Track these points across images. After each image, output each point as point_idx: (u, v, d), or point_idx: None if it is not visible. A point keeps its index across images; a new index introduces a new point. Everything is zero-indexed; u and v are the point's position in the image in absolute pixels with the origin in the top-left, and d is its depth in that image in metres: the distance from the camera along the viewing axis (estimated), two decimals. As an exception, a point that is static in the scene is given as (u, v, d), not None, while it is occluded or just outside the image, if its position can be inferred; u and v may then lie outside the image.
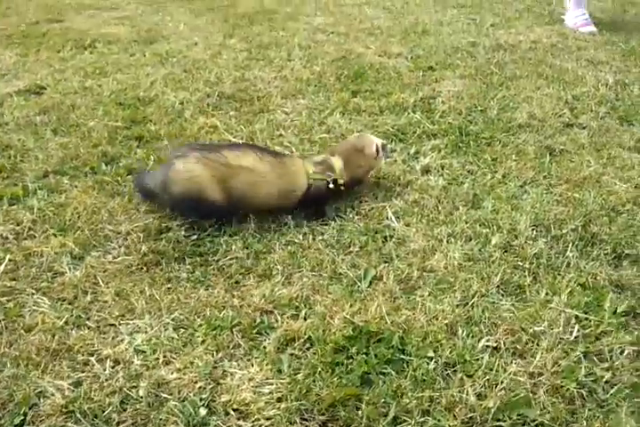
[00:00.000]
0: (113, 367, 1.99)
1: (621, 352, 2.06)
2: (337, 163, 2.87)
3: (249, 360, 2.02)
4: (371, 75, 4.68)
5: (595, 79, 4.62)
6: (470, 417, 1.81)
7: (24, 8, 7.07)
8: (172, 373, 1.96)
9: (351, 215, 2.84)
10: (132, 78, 4.56)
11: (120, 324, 2.18)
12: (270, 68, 4.85)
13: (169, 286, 2.36)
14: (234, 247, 2.57)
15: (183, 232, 2.67)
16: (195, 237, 2.65)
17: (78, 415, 1.81)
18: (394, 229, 2.72)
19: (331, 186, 2.80)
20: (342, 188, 2.84)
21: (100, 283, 2.37)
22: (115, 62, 4.96)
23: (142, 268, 2.46)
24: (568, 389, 1.91)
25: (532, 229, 2.73)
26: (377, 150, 2.95)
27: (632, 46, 5.46)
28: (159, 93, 4.24)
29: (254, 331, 2.13)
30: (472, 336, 2.11)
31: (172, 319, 2.19)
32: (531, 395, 1.89)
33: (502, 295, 2.33)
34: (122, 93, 4.24)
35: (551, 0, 7.35)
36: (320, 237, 2.66)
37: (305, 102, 4.15)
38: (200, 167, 2.61)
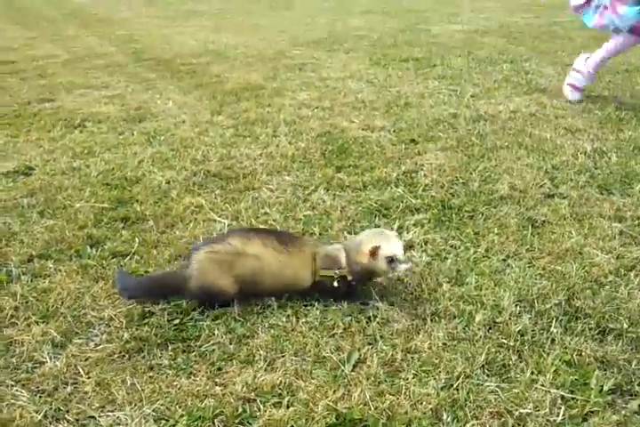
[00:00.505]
0: (91, 465, 1.94)
1: (609, 434, 2.04)
2: (343, 255, 2.75)
3: (230, 454, 1.98)
4: (354, 149, 4.79)
5: (573, 148, 4.74)
6: None
7: (17, 88, 7.27)
8: (151, 469, 1.92)
9: (335, 295, 2.84)
10: (119, 158, 4.65)
11: (100, 416, 2.14)
12: (256, 144, 4.96)
13: (151, 374, 2.34)
14: (217, 332, 2.56)
15: (166, 316, 2.66)
16: (177, 321, 2.64)
17: None
18: (377, 309, 2.72)
19: (335, 284, 2.70)
20: (353, 283, 2.75)
21: (81, 373, 2.34)
22: (103, 142, 5.07)
23: (124, 355, 2.44)
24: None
25: (516, 305, 2.73)
26: (372, 252, 2.62)
27: (608, 113, 5.63)
28: (146, 173, 4.31)
29: (236, 421, 2.10)
30: (457, 421, 2.08)
31: (154, 410, 2.15)
32: (518, 485, 1.85)
33: (487, 376, 2.31)
34: (109, 174, 4.32)
35: (528, 69, 7.64)
36: (304, 320, 2.65)
37: (290, 179, 4.23)
38: (208, 260, 2.67)
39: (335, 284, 2.68)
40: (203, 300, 2.74)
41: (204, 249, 2.71)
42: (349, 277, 2.69)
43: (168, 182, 4.14)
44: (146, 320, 2.65)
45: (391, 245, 2.64)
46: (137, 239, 3.34)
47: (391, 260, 2.61)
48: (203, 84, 7.30)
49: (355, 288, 2.77)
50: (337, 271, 2.70)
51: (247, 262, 2.67)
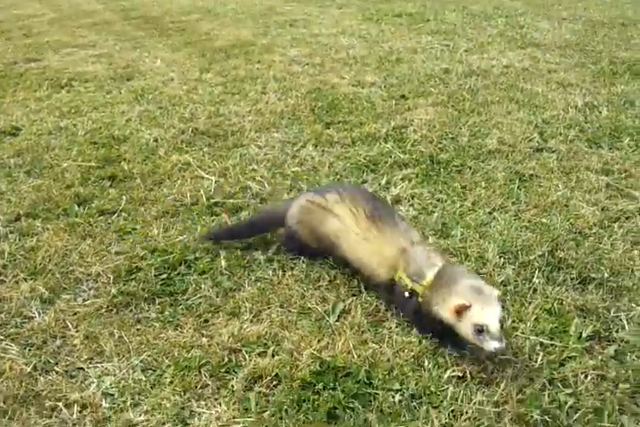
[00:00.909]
0: (80, 412, 2.00)
1: (585, 377, 2.09)
2: (432, 273, 2.28)
3: (216, 400, 2.03)
4: (344, 105, 4.75)
5: (564, 102, 4.71)
6: (435, 449, 1.83)
7: (3, 48, 7.16)
8: (140, 415, 1.98)
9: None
10: (107, 117, 4.62)
11: (89, 367, 2.19)
12: (245, 101, 4.91)
13: (138, 327, 2.38)
14: (203, 286, 2.59)
15: (153, 271, 2.69)
16: (164, 276, 2.67)
17: (44, 463, 1.82)
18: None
19: (406, 294, 2.31)
20: (421, 306, 2.27)
21: (70, 327, 2.38)
22: (90, 101, 5.02)
23: (112, 309, 2.48)
24: (532, 416, 1.93)
25: (500, 257, 2.76)
26: (458, 311, 2.08)
27: (601, 67, 5.58)
28: (134, 131, 4.29)
29: (222, 370, 2.15)
30: (438, 367, 2.14)
31: (141, 361, 2.20)
32: (495, 424, 1.91)
33: (469, 324, 2.35)
34: (96, 133, 4.29)
35: (523, 24, 7.52)
36: (290, 273, 2.68)
37: (278, 136, 4.21)
38: (301, 210, 2.72)
39: (407, 294, 2.30)
40: (286, 243, 2.82)
41: (307, 196, 2.77)
42: (420, 299, 2.26)
43: (156, 140, 4.12)
44: (133, 276, 2.68)
45: (485, 309, 2.05)
46: (124, 197, 3.34)
47: (480, 329, 2.04)
48: (192, 41, 7.19)
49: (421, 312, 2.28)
50: (413, 284, 2.30)
51: (330, 221, 2.57)
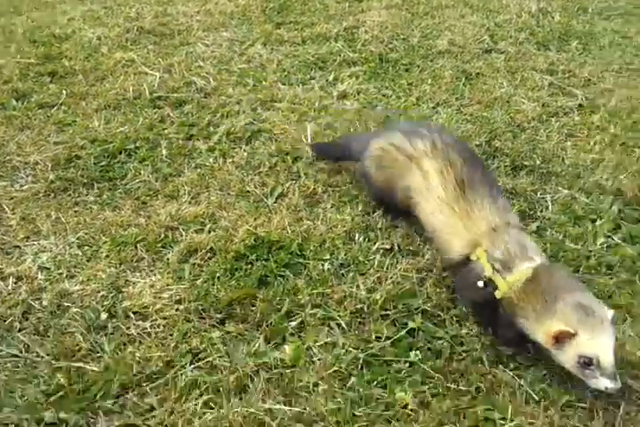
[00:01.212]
0: (16, 283, 2.05)
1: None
2: (522, 276, 1.83)
3: (151, 271, 2.11)
4: (297, 7, 4.62)
5: (519, 7, 4.67)
6: (359, 308, 1.96)
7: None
8: (75, 285, 2.05)
9: (262, 139, 2.88)
10: (47, 16, 4.42)
11: (25, 245, 2.23)
12: (194, 2, 4.73)
13: (76, 209, 2.41)
14: (143, 172, 2.61)
15: (93, 160, 2.68)
16: (104, 163, 2.67)
17: (-21, 327, 1.88)
18: (307, 151, 2.77)
19: (479, 284, 1.90)
20: (498, 298, 1.87)
21: (7, 210, 2.40)
22: (29, 1, 4.78)
23: (50, 194, 2.49)
24: (452, 281, 2.04)
25: (439, 146, 2.81)
26: (557, 338, 1.68)
27: (560, -25, 5.49)
28: (76, 30, 4.13)
29: (158, 245, 2.21)
30: (368, 240, 2.23)
31: (78, 238, 2.25)
32: (417, 287, 2.02)
33: (403, 204, 2.43)
34: (36, 31, 4.12)
35: None
36: (230, 160, 2.70)
37: (227, 35, 4.10)
38: (382, 155, 2.31)
39: (480, 284, 1.90)
40: (362, 182, 2.49)
41: (391, 139, 2.28)
42: (498, 295, 1.86)
43: (99, 39, 3.98)
44: (72, 163, 2.68)
45: (596, 338, 1.65)
46: (64, 92, 3.27)
47: (587, 362, 1.64)
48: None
49: (492, 311, 1.91)
50: (494, 275, 1.88)
51: (413, 175, 2.15)
